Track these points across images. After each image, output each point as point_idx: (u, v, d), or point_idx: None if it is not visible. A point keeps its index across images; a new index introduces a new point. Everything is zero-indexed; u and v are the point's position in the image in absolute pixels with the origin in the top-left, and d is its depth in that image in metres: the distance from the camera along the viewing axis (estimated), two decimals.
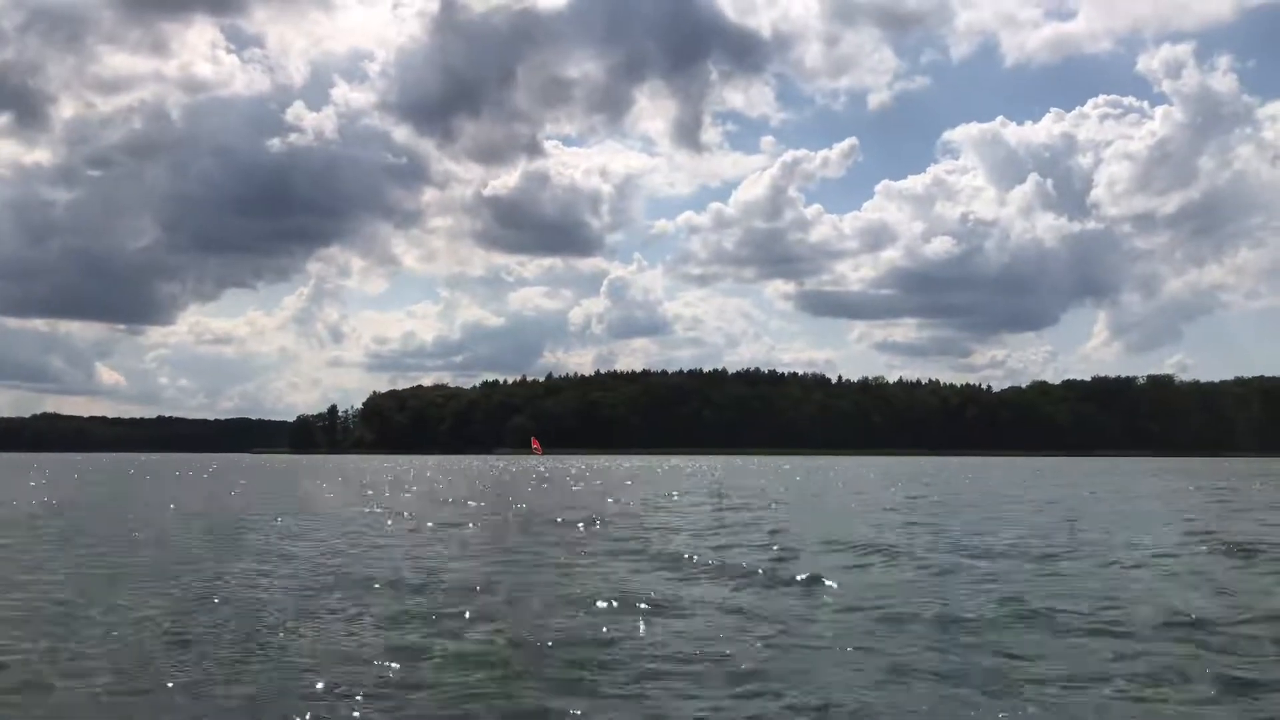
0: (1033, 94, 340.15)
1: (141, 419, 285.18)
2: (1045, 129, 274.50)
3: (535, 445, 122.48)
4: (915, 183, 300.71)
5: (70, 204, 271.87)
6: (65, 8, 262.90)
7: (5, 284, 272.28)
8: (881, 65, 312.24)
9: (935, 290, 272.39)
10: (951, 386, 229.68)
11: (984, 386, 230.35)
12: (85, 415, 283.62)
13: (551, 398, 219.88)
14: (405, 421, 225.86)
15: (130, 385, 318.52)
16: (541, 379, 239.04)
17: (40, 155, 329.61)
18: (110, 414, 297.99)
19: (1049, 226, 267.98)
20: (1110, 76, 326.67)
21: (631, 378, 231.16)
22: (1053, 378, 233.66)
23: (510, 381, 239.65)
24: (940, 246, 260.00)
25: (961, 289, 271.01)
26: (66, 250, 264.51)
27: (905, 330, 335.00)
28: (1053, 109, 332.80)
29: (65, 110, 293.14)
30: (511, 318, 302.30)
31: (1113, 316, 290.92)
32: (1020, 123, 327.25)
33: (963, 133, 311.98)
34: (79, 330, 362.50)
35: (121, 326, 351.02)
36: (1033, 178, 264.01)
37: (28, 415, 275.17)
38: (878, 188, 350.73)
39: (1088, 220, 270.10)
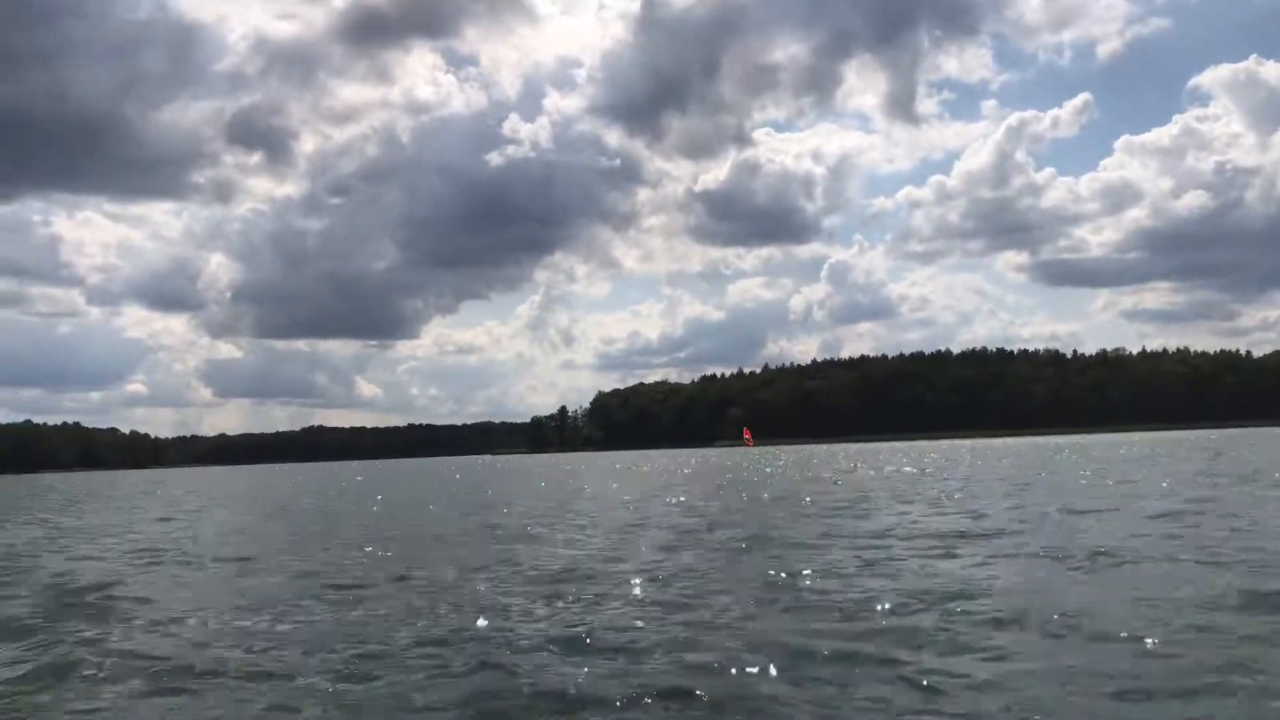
0: None
1: (397, 427, 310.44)
2: None
3: (746, 436, 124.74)
4: (1160, 135, 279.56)
5: (319, 232, 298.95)
6: (298, 48, 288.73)
7: (273, 310, 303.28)
8: (1110, 12, 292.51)
9: (1190, 249, 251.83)
10: (1204, 354, 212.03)
11: (1242, 352, 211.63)
12: (347, 426, 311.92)
13: (767, 389, 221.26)
14: (629, 418, 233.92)
15: (386, 396, 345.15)
16: (758, 371, 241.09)
17: (289, 189, 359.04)
18: (370, 424, 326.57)
19: None
20: None
21: (848, 364, 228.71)
22: None
23: (727, 375, 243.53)
24: (1193, 201, 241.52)
25: (1221, 246, 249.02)
26: (319, 275, 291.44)
27: (1157, 295, 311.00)
28: None
29: (307, 145, 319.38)
30: (732, 310, 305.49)
31: None
32: None
33: (1212, 76, 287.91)
34: (337, 348, 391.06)
35: (373, 342, 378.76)
36: None
37: (299, 429, 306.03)
38: (1117, 144, 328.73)
39: None
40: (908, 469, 42.90)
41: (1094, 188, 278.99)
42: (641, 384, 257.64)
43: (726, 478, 42.77)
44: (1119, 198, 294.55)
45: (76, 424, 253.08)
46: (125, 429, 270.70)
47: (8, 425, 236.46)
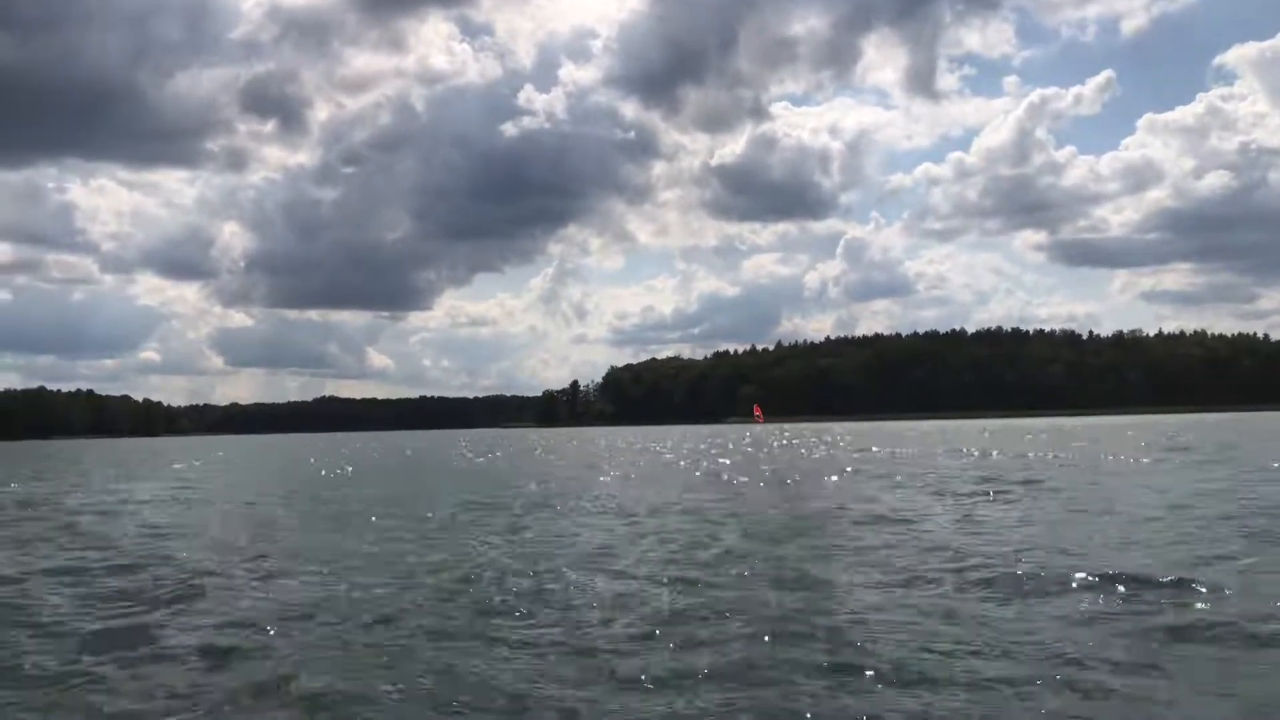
0: None
1: (408, 398, 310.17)
2: None
3: (757, 413, 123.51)
4: (1184, 114, 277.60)
5: (332, 201, 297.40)
6: (312, 16, 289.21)
7: (285, 279, 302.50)
8: None
9: (1211, 231, 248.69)
10: (1221, 337, 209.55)
11: (1260, 335, 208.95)
12: (359, 397, 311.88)
13: (780, 366, 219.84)
14: (640, 393, 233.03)
15: (398, 368, 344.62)
16: (772, 348, 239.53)
17: (303, 157, 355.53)
18: (381, 395, 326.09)
19: None
20: None
21: (862, 342, 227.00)
22: None
23: (740, 351, 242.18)
24: (1216, 181, 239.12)
25: (1243, 228, 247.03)
26: (332, 245, 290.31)
27: (1176, 277, 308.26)
28: None
29: (320, 113, 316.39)
30: (747, 286, 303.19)
31: None
32: None
33: (1238, 54, 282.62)
34: (349, 319, 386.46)
35: (385, 313, 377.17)
36: None
37: (311, 399, 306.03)
38: (1140, 123, 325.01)
39: None
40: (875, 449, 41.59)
41: (1115, 167, 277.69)
42: (654, 359, 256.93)
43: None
44: (1140, 177, 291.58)
45: (89, 391, 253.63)
46: (138, 396, 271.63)
47: (21, 391, 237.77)
